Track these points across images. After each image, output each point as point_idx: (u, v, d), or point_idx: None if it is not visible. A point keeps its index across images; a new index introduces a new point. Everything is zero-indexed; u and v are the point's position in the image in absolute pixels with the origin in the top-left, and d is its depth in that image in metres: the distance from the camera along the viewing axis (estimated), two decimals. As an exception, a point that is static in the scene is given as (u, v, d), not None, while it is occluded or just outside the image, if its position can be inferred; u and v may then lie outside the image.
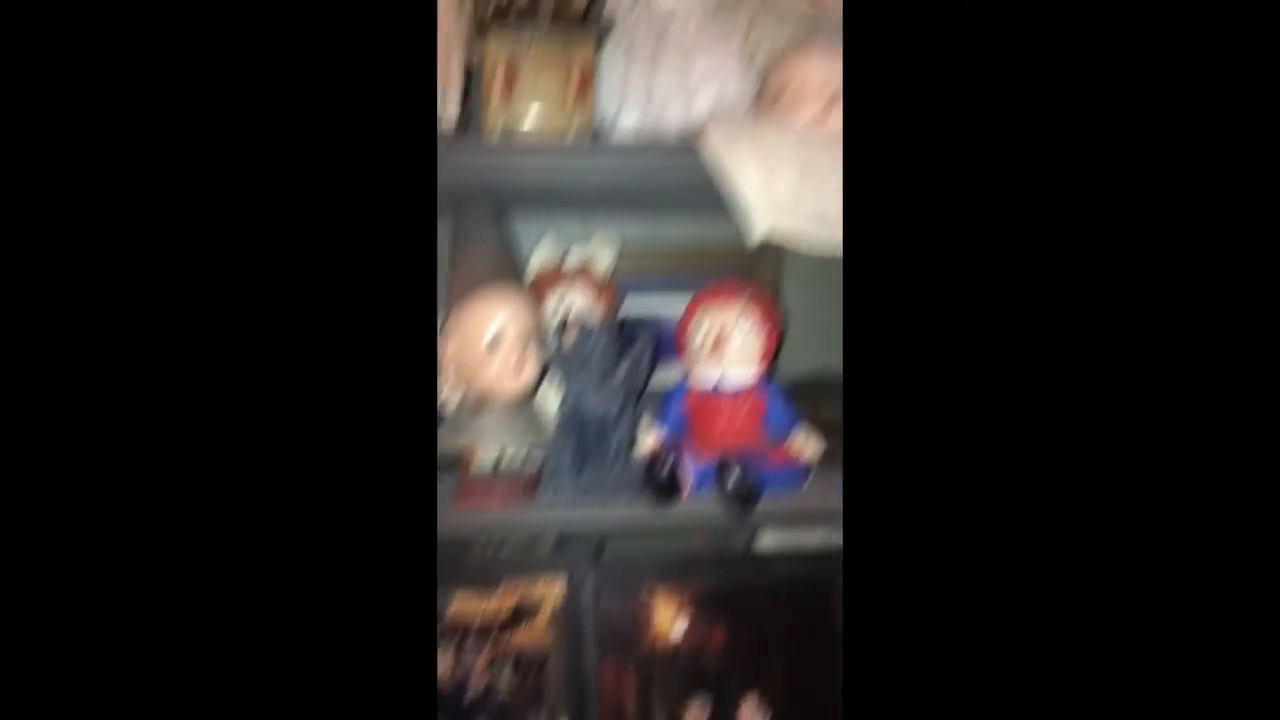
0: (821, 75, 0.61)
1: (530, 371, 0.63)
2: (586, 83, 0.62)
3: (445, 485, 0.62)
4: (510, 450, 0.62)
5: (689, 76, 0.64)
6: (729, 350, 0.65)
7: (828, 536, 0.66)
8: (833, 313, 0.85)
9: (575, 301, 0.70)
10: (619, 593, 0.62)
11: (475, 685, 0.62)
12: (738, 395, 0.66)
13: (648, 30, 0.65)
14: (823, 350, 0.86)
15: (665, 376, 0.73)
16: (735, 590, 0.62)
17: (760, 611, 0.62)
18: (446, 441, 0.61)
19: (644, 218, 0.81)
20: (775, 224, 0.56)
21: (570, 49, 0.60)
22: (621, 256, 0.76)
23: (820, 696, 0.62)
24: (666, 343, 0.72)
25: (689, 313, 0.69)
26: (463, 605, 0.63)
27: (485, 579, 0.63)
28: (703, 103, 0.64)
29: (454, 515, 0.59)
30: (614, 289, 0.74)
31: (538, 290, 0.69)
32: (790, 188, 0.56)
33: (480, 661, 0.62)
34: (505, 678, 0.62)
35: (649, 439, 0.67)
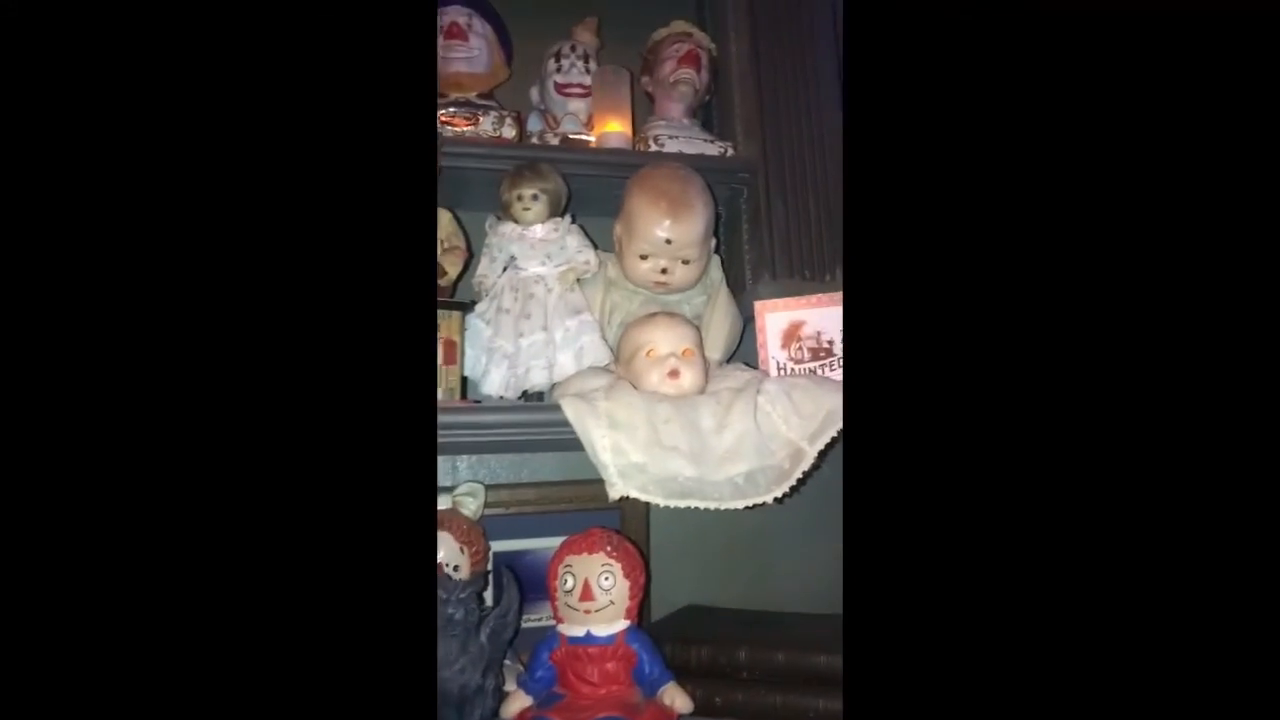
0: (669, 344, 0.68)
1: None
2: (453, 348, 0.66)
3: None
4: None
5: (552, 339, 0.70)
6: (596, 602, 0.65)
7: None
8: (701, 546, 0.89)
9: (442, 548, 0.69)
10: None
11: None
12: (606, 648, 0.65)
13: (514, 298, 0.72)
14: (692, 584, 0.87)
15: (538, 617, 0.72)
16: None
17: None
18: None
19: (512, 458, 0.83)
20: (626, 489, 0.60)
21: (441, 319, 0.65)
22: (490, 497, 0.76)
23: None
24: (538, 581, 0.72)
25: (554, 564, 0.69)
26: None
27: None
28: (565, 363, 0.70)
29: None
30: (482, 537, 0.73)
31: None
32: (638, 456, 0.60)
33: None
34: None
35: (514, 705, 0.63)
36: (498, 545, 0.76)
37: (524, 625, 0.71)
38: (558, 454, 0.82)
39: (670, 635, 0.71)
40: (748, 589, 0.86)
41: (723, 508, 0.62)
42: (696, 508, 0.89)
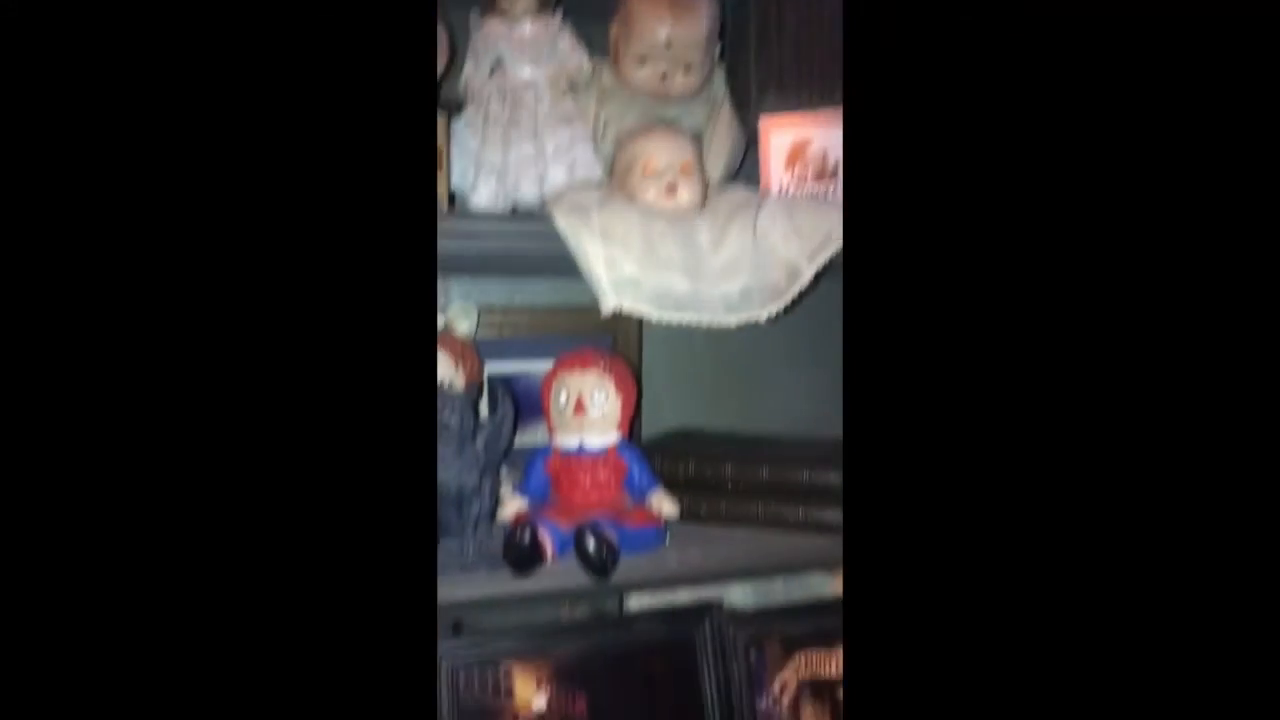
0: (666, 157, 0.65)
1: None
2: (439, 155, 0.63)
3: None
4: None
5: (543, 151, 0.67)
6: (589, 416, 0.67)
7: (691, 596, 0.69)
8: (693, 370, 0.90)
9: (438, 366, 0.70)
10: (477, 670, 0.61)
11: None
12: (598, 459, 0.67)
13: (502, 104, 0.67)
14: (683, 408, 0.90)
15: (531, 438, 0.74)
16: (595, 656, 0.63)
17: (621, 674, 0.63)
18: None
19: (504, 282, 0.82)
20: (619, 302, 0.59)
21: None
22: (483, 320, 0.76)
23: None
24: (532, 403, 0.73)
25: (548, 380, 0.70)
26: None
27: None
28: (556, 177, 0.67)
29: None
30: (475, 354, 0.74)
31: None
32: (632, 269, 0.59)
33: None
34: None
35: (510, 507, 0.67)
36: (490, 368, 0.77)
37: (517, 446, 0.73)
38: (550, 279, 0.81)
39: (659, 452, 0.73)
40: (738, 415, 0.88)
41: (716, 323, 0.62)
42: (689, 331, 0.90)
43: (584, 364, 0.69)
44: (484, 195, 0.66)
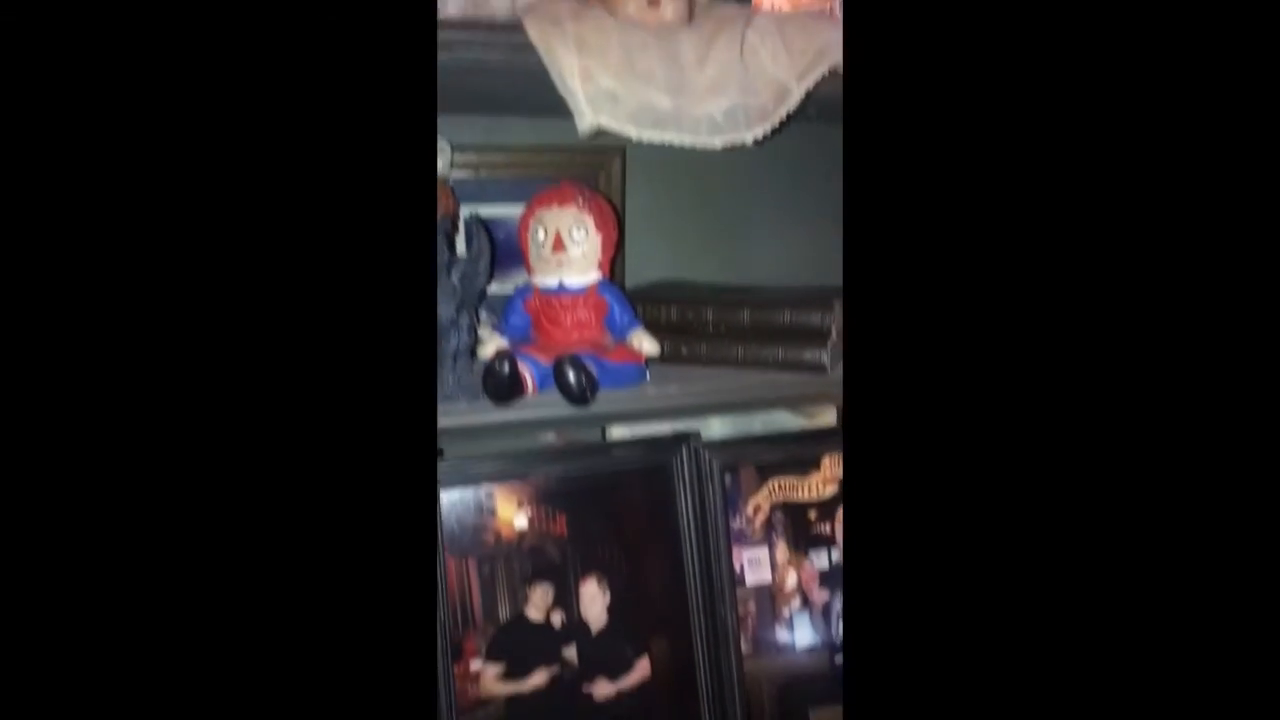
0: (648, -35, 0.60)
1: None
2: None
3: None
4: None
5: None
6: (568, 253, 0.66)
7: (670, 431, 0.70)
8: (677, 222, 0.88)
9: (405, 203, 0.67)
10: (460, 493, 0.62)
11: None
12: (578, 297, 0.66)
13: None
14: (667, 260, 0.88)
15: (509, 287, 0.73)
16: (575, 480, 0.65)
17: (600, 497, 0.65)
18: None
19: (482, 121, 0.78)
20: (596, 119, 0.56)
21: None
22: (458, 161, 0.73)
23: (656, 576, 0.66)
24: (510, 249, 0.71)
25: (526, 217, 0.68)
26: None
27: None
28: (530, -9, 0.62)
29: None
30: (449, 191, 0.71)
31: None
32: (610, 83, 0.56)
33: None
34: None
35: (490, 345, 0.66)
36: (466, 211, 0.74)
37: (495, 293, 0.72)
38: (529, 118, 0.77)
39: (642, 299, 0.73)
40: (721, 267, 0.87)
41: (700, 145, 0.59)
42: (672, 180, 0.87)
43: (562, 200, 0.66)
44: (453, 5, 0.62)
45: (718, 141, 0.59)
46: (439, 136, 0.71)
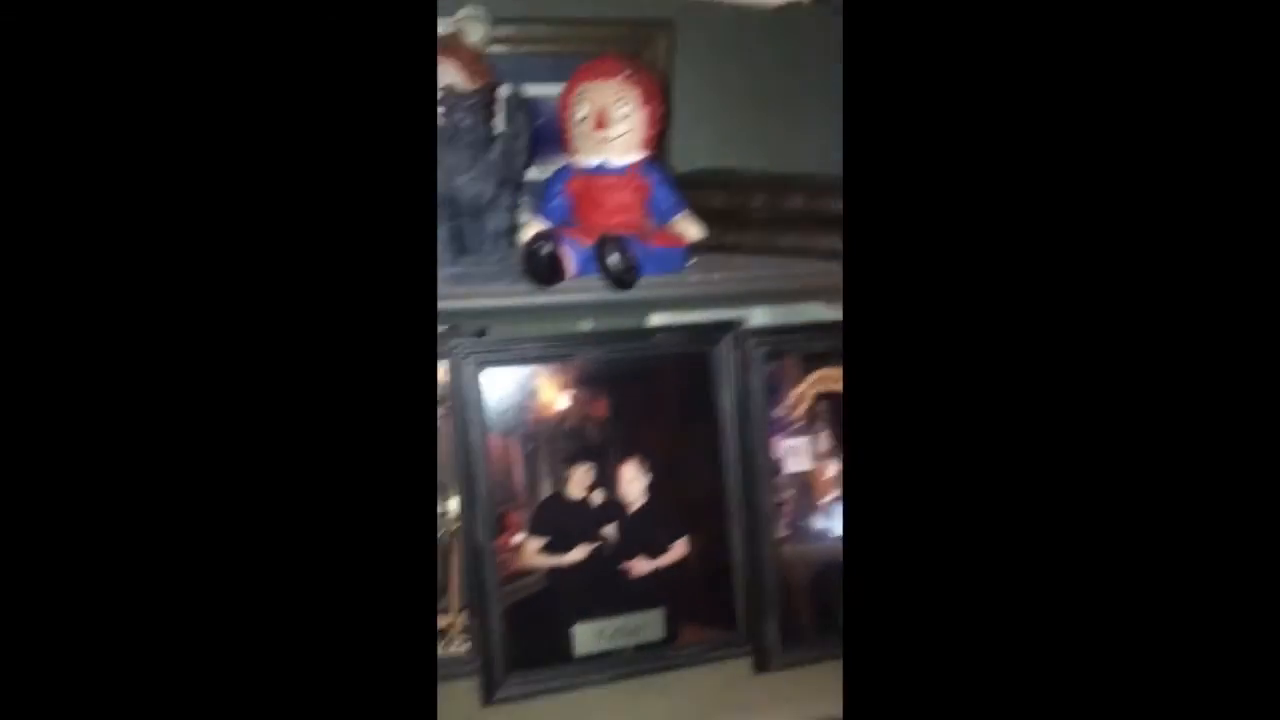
0: None
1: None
2: None
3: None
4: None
5: None
6: (611, 130, 0.63)
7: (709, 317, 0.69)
8: (726, 106, 0.84)
9: (444, 75, 0.65)
10: (503, 372, 0.63)
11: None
12: (621, 177, 0.64)
13: None
14: (715, 148, 0.84)
15: (548, 169, 0.70)
16: (617, 364, 0.64)
17: (642, 382, 0.65)
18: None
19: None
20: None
21: None
22: (498, 35, 0.69)
23: (696, 461, 0.66)
24: (549, 133, 0.69)
25: (567, 92, 0.65)
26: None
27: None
28: None
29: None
30: (487, 66, 0.68)
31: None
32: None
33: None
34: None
35: (530, 228, 0.65)
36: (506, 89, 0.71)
37: (532, 179, 0.70)
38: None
39: (688, 185, 0.70)
40: (772, 156, 0.83)
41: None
42: (721, 62, 0.82)
43: (605, 73, 0.63)
44: None
45: (774, -1, 0.55)
46: (475, 4, 0.67)
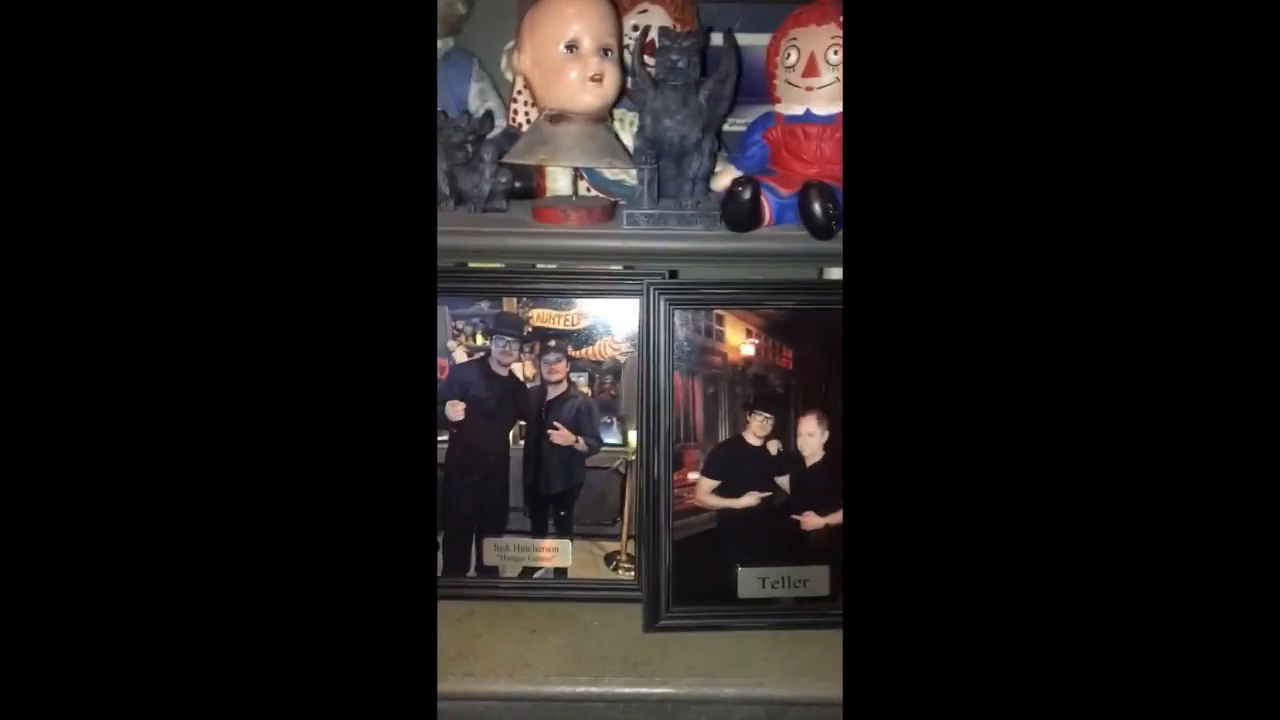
0: None
1: (609, 87, 0.61)
2: None
3: (523, 206, 0.63)
4: (588, 164, 0.61)
5: None
6: (820, 78, 0.61)
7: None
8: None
9: (655, 18, 0.66)
10: (691, 313, 0.64)
11: (555, 385, 0.67)
12: (826, 126, 0.62)
13: None
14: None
15: (748, 118, 0.70)
16: (804, 316, 0.64)
17: (827, 338, 0.63)
18: (524, 156, 0.61)
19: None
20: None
21: None
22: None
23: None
24: (752, 82, 0.68)
25: (778, 37, 0.64)
26: (541, 318, 0.67)
27: (563, 295, 0.66)
28: None
29: (531, 234, 0.60)
30: (696, 15, 0.68)
31: (617, 6, 0.65)
32: None
33: (560, 366, 0.67)
34: (581, 384, 0.67)
35: (725, 173, 0.65)
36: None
37: (730, 129, 0.70)
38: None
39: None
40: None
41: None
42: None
43: (821, 18, 0.61)
44: None
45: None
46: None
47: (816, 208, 0.57)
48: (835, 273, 0.69)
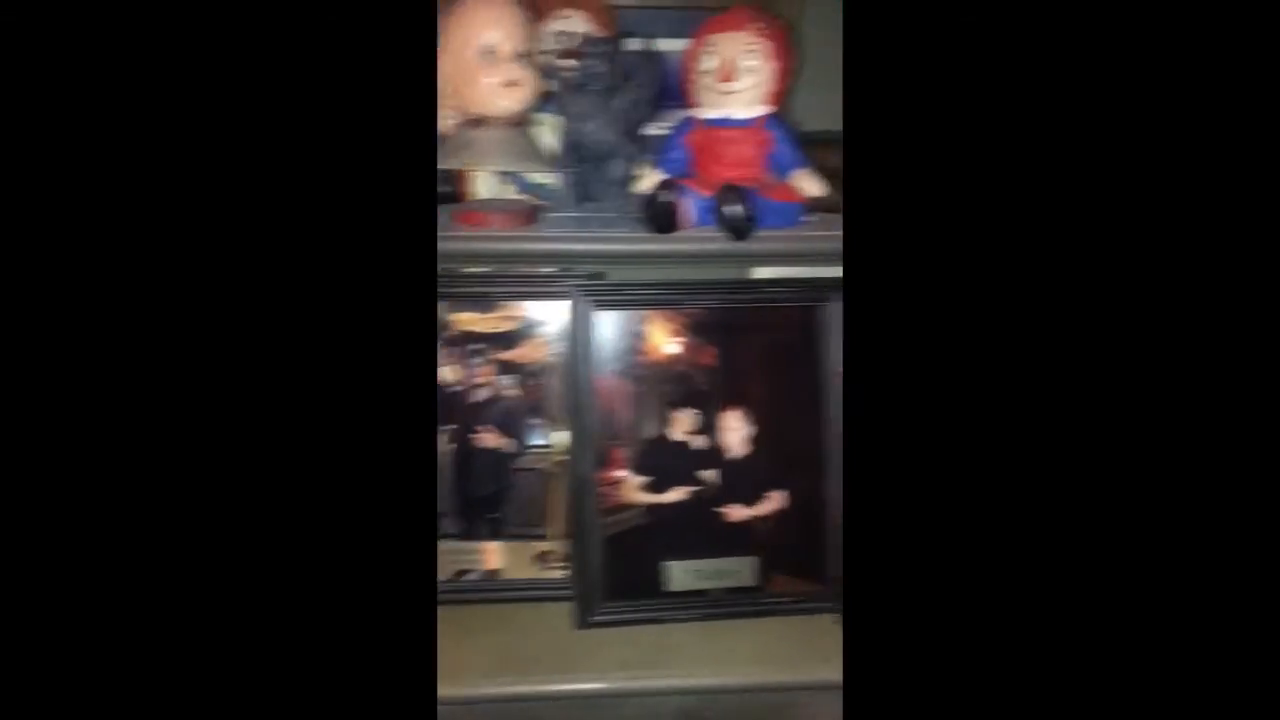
0: None
1: (527, 93, 0.61)
2: None
3: (444, 210, 0.63)
4: (508, 169, 0.61)
5: None
6: (736, 83, 0.63)
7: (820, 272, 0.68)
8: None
9: (575, 25, 0.67)
10: (616, 314, 0.65)
11: (479, 390, 0.67)
12: (744, 130, 0.64)
13: None
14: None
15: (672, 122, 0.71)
16: (726, 314, 0.65)
17: (748, 334, 0.66)
18: (444, 161, 0.61)
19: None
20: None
21: None
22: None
23: (800, 414, 0.67)
24: (671, 85, 0.70)
25: (695, 42, 0.66)
26: (466, 321, 0.67)
27: (487, 299, 0.66)
28: None
29: (455, 238, 0.61)
30: (616, 19, 0.70)
31: (535, 11, 0.66)
32: None
33: (484, 370, 0.67)
34: (508, 386, 0.67)
35: (648, 176, 0.66)
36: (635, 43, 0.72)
37: (649, 133, 0.71)
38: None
39: (809, 143, 0.69)
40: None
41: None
42: None
43: (735, 25, 0.63)
44: None
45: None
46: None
47: (729, 210, 0.59)
48: (762, 272, 0.71)
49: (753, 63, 0.63)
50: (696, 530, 0.66)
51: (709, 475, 0.67)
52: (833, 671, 0.63)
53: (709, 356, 0.65)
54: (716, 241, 0.62)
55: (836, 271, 0.69)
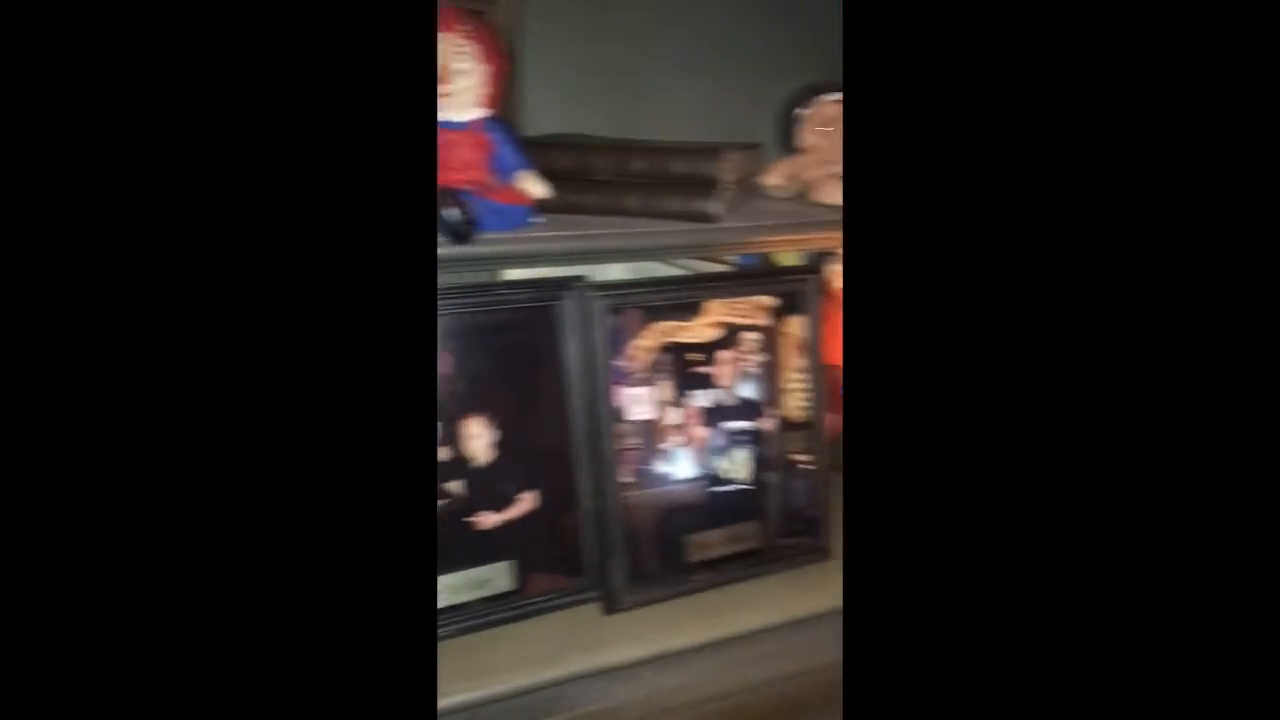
0: None
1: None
2: None
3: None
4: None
5: None
6: (450, 85, 0.62)
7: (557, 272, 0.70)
8: (579, 75, 0.85)
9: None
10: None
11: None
12: (462, 133, 0.64)
13: None
14: (568, 113, 0.85)
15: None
16: (459, 320, 0.64)
17: (484, 337, 0.65)
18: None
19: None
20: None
21: None
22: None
23: (543, 414, 0.68)
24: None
25: (405, 44, 0.64)
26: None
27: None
28: None
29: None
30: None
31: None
32: None
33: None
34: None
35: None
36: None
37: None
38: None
39: (535, 148, 0.70)
40: (620, 123, 0.85)
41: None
42: (570, 32, 0.83)
43: (443, 26, 0.62)
44: None
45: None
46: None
47: (446, 213, 0.58)
48: (509, 274, 0.71)
49: (464, 65, 0.62)
50: (449, 544, 0.64)
51: (454, 486, 0.65)
52: (595, 660, 0.64)
53: (444, 365, 0.64)
54: (443, 247, 0.61)
55: (572, 270, 0.71)
